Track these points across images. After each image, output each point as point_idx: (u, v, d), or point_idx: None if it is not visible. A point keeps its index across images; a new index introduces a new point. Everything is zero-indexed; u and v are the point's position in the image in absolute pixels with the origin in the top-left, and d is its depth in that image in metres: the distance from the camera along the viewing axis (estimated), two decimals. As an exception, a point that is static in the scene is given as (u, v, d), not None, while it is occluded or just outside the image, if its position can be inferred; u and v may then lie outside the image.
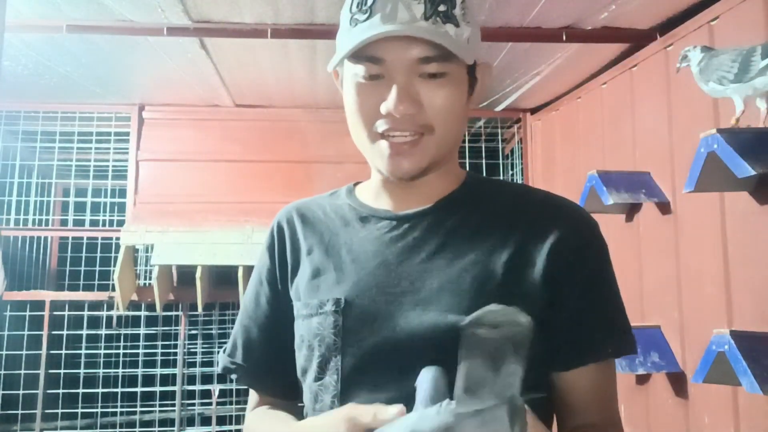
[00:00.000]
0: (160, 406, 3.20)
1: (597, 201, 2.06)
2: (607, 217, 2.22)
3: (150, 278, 3.05)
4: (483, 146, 3.45)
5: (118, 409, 3.18)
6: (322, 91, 2.91)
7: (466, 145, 3.32)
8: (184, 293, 3.06)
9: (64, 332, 3.10)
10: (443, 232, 0.85)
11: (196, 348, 3.31)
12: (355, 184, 0.98)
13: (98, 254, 3.49)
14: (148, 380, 3.22)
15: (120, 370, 3.19)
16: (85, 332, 3.16)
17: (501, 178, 3.42)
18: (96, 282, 3.51)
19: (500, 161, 3.43)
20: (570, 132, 2.77)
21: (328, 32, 2.21)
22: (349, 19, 0.81)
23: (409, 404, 0.65)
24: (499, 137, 3.41)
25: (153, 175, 3.13)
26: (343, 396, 0.81)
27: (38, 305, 3.05)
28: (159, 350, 3.26)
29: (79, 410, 3.08)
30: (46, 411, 2.98)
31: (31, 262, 3.52)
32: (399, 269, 0.84)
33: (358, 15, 0.80)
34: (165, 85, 2.90)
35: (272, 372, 0.95)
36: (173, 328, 3.28)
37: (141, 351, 3.25)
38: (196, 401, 3.24)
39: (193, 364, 3.26)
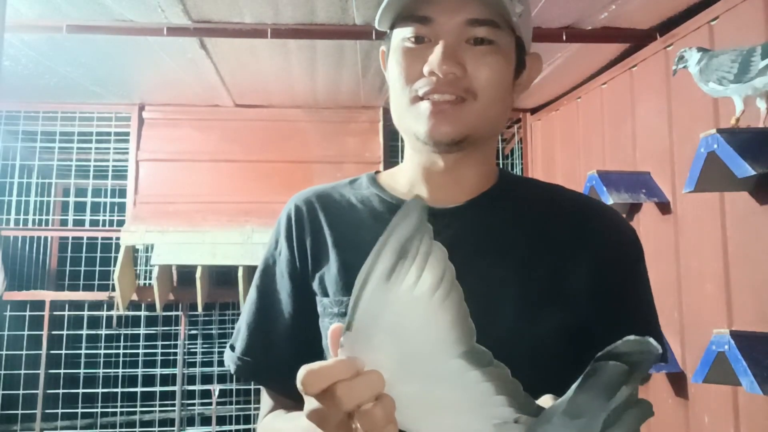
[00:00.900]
0: (160, 406, 3.20)
1: (597, 201, 2.06)
2: (607, 217, 2.21)
3: (150, 278, 3.05)
4: (483, 146, 3.45)
5: (118, 409, 3.18)
6: (322, 91, 2.91)
7: (466, 145, 3.31)
8: (184, 293, 3.06)
9: (64, 332, 3.10)
10: (481, 233, 0.82)
11: (196, 348, 3.31)
12: (377, 173, 0.93)
13: (98, 254, 3.49)
14: (148, 380, 3.22)
15: (120, 370, 3.19)
16: (85, 332, 3.16)
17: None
18: (96, 282, 3.51)
19: (500, 161, 3.43)
20: (570, 132, 2.77)
21: (328, 32, 2.21)
22: None
23: None
24: (499, 137, 3.41)
25: (153, 175, 3.13)
26: None
27: (38, 305, 3.05)
28: (159, 350, 3.26)
29: (79, 410, 3.08)
30: (46, 411, 2.98)
31: (31, 262, 3.52)
32: None
33: None
34: (165, 85, 2.90)
35: (294, 370, 0.91)
36: (173, 328, 3.28)
37: (141, 351, 3.25)
38: (196, 401, 3.24)
39: (193, 364, 3.26)
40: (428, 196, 0.85)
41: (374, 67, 2.59)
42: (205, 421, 3.27)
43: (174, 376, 3.15)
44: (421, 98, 0.78)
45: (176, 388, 3.10)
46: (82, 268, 3.53)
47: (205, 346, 3.34)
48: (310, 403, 0.54)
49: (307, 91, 2.92)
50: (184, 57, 2.49)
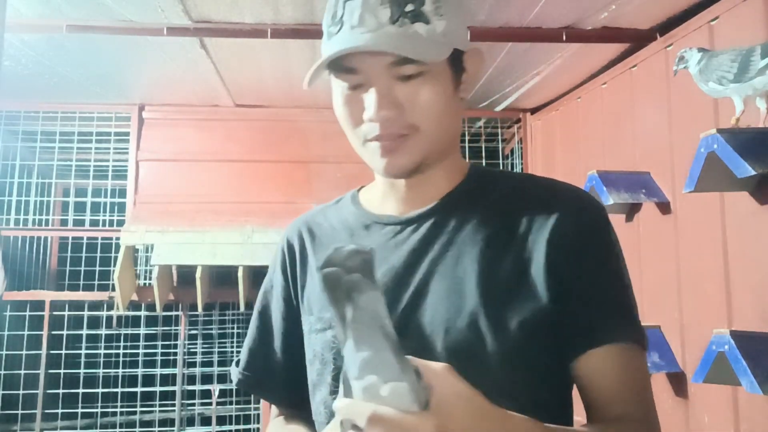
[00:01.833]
0: (160, 406, 3.20)
1: (597, 201, 2.06)
2: (607, 217, 2.21)
3: (150, 278, 3.05)
4: (483, 146, 3.45)
5: (118, 409, 3.18)
6: (322, 91, 2.88)
7: (467, 145, 3.32)
8: (184, 293, 3.06)
9: (64, 332, 3.10)
10: (447, 232, 0.85)
11: (196, 348, 3.31)
12: (360, 189, 0.98)
13: (98, 254, 3.49)
14: (148, 380, 3.22)
15: (120, 370, 3.19)
16: (85, 332, 3.16)
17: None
18: (96, 282, 3.51)
19: (500, 161, 3.43)
20: (570, 132, 2.77)
21: (328, 32, 2.20)
22: (326, 34, 0.83)
23: None
24: (499, 137, 3.41)
25: (153, 175, 3.13)
26: None
27: (38, 305, 3.05)
28: (159, 350, 3.26)
29: (79, 410, 3.08)
30: (46, 411, 2.98)
31: (31, 262, 3.52)
32: (406, 274, 0.83)
33: (331, 28, 0.81)
34: (165, 85, 2.90)
35: (290, 385, 0.96)
36: (173, 328, 3.28)
37: (141, 351, 3.25)
38: (196, 401, 3.24)
39: (193, 364, 3.26)
40: (398, 207, 0.90)
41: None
42: (205, 421, 3.27)
43: (174, 376, 3.15)
44: (370, 140, 0.83)
45: (176, 388, 3.10)
46: (82, 268, 3.53)
47: (205, 346, 3.34)
48: None
49: (307, 91, 2.90)
50: (184, 57, 2.50)
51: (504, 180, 0.92)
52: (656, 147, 2.04)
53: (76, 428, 3.06)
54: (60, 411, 3.05)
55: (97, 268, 3.52)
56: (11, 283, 3.04)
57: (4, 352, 3.05)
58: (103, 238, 3.39)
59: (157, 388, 3.19)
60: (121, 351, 3.24)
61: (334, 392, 0.84)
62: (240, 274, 2.86)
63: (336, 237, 0.92)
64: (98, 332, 3.22)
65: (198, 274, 2.86)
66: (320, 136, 3.13)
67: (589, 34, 2.21)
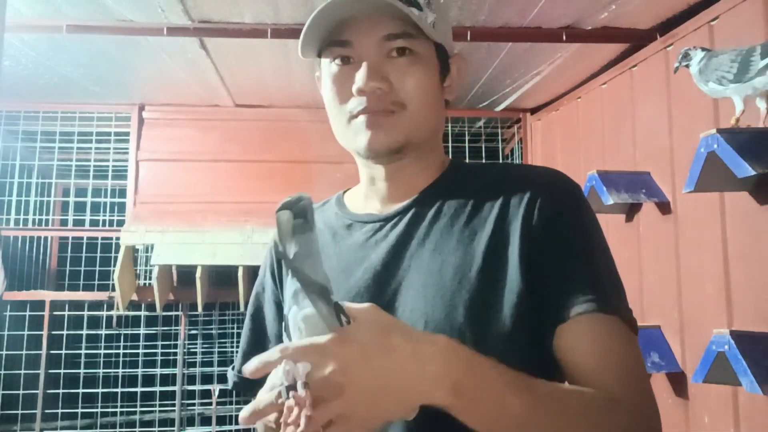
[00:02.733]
0: (160, 406, 3.20)
1: (597, 201, 2.06)
2: (607, 217, 2.22)
3: (150, 278, 3.05)
4: (483, 146, 3.45)
5: (118, 409, 3.18)
6: (322, 91, 2.90)
7: (466, 145, 3.32)
8: (184, 293, 3.06)
9: (64, 332, 3.10)
10: (425, 225, 0.85)
11: (196, 348, 3.31)
12: (346, 191, 1.00)
13: (98, 254, 3.49)
14: (148, 380, 3.22)
15: (120, 370, 3.19)
16: (85, 332, 3.16)
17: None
18: (96, 282, 3.51)
19: (500, 161, 3.43)
20: (570, 132, 2.77)
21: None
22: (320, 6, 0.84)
23: None
24: (499, 137, 3.41)
25: (153, 175, 3.13)
26: None
27: (38, 305, 3.05)
28: (159, 350, 3.26)
29: (79, 410, 3.08)
30: (46, 411, 2.98)
31: (31, 262, 3.52)
32: (385, 271, 0.84)
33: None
34: (165, 85, 2.90)
35: None
36: (173, 328, 3.28)
37: (141, 351, 3.25)
38: (196, 401, 3.24)
39: (193, 364, 3.26)
40: (379, 205, 0.91)
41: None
42: (205, 421, 3.27)
43: (174, 376, 3.15)
44: (356, 116, 0.84)
45: (176, 388, 3.10)
46: (82, 268, 3.53)
47: (205, 346, 3.34)
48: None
49: (307, 91, 2.92)
50: (184, 57, 2.50)
51: (481, 171, 0.92)
52: (656, 147, 2.04)
53: (76, 428, 3.06)
54: (60, 411, 3.05)
55: (97, 268, 3.52)
56: (11, 283, 3.04)
57: (4, 352, 3.05)
58: (103, 238, 3.39)
59: (157, 388, 3.19)
60: (121, 351, 3.24)
61: None
62: (240, 274, 2.86)
63: (320, 237, 0.93)
64: (98, 332, 3.22)
65: (198, 274, 2.86)
66: (320, 136, 3.13)
67: (589, 34, 2.21)
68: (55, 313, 3.06)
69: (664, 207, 1.99)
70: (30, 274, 3.49)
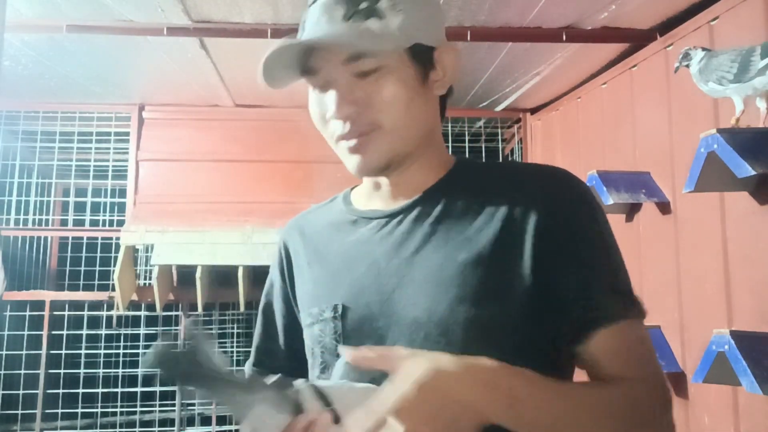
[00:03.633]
0: (160, 406, 3.20)
1: (597, 201, 2.06)
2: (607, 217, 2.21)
3: (150, 278, 3.05)
4: (483, 146, 3.45)
5: (118, 409, 3.18)
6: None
7: (467, 145, 3.32)
8: (184, 293, 3.06)
9: (64, 332, 3.10)
10: (429, 222, 0.85)
11: (196, 348, 3.30)
12: (353, 188, 1.00)
13: (98, 254, 3.49)
14: (148, 380, 3.22)
15: (120, 370, 3.19)
16: (85, 332, 3.15)
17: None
18: (96, 282, 3.51)
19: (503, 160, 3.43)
20: (570, 132, 2.77)
21: (328, 32, 2.20)
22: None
23: None
24: (499, 137, 3.41)
25: (153, 175, 3.13)
26: None
27: (38, 305, 3.05)
28: (159, 350, 3.25)
29: (79, 410, 3.08)
30: (46, 411, 2.98)
31: (31, 262, 3.52)
32: (389, 267, 0.84)
33: (299, 33, 0.86)
34: (165, 85, 2.90)
35: (292, 376, 0.98)
36: (173, 328, 3.28)
37: (141, 351, 3.25)
38: (196, 401, 3.24)
39: (193, 364, 3.25)
40: (383, 204, 0.91)
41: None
42: (205, 421, 3.27)
43: (174, 376, 3.14)
44: (338, 140, 0.85)
45: (176, 388, 3.10)
46: (82, 268, 3.53)
47: (205, 346, 3.33)
48: None
49: (306, 91, 2.91)
50: (184, 57, 2.49)
51: (488, 169, 0.92)
52: (656, 147, 2.04)
53: (76, 428, 3.06)
54: (60, 411, 3.05)
55: (97, 268, 3.52)
56: (11, 283, 3.04)
57: (4, 352, 3.05)
58: (103, 238, 3.39)
59: (157, 388, 3.19)
60: (121, 351, 3.24)
61: None
62: (240, 274, 2.86)
63: (324, 234, 0.95)
64: (98, 332, 3.22)
65: (198, 274, 2.86)
66: (320, 136, 3.09)
67: (589, 34, 2.21)
68: (55, 313, 3.06)
69: (664, 207, 1.99)
70: (30, 274, 3.49)
